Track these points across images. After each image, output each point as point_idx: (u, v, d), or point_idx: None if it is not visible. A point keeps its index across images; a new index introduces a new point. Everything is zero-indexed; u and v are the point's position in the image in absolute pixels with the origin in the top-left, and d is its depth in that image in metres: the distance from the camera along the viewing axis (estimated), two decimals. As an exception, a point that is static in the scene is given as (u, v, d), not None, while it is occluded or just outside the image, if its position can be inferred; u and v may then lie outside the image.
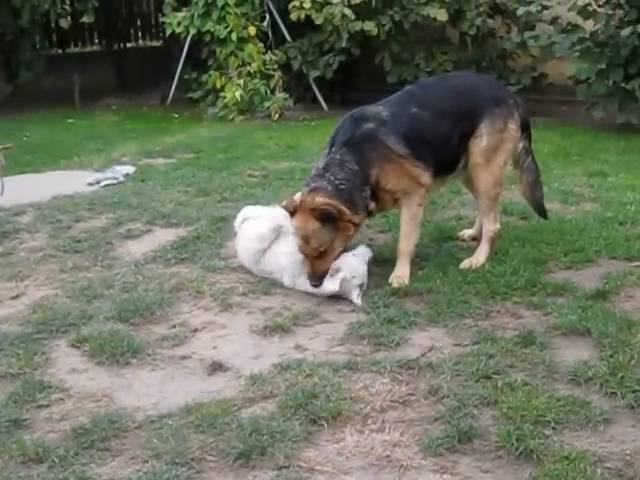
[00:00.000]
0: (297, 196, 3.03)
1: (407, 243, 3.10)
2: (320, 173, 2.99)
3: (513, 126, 3.19)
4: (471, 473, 1.86)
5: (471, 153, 3.15)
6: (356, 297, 2.86)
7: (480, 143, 3.13)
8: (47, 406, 2.22)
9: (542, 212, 3.49)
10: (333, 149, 3.03)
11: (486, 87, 3.33)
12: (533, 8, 6.41)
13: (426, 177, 3.08)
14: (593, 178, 4.69)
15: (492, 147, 3.14)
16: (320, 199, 2.90)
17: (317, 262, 2.94)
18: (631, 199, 4.14)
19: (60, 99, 8.70)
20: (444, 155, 3.15)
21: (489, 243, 3.24)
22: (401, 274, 3.04)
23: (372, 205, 3.05)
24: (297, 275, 2.99)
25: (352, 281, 2.87)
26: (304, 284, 2.97)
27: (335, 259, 2.96)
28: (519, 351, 2.42)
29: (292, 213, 2.98)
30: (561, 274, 3.11)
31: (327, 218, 2.88)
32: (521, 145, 3.28)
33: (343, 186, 2.93)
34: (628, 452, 1.91)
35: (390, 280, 3.02)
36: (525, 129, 3.29)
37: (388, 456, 1.93)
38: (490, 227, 3.25)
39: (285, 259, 3.03)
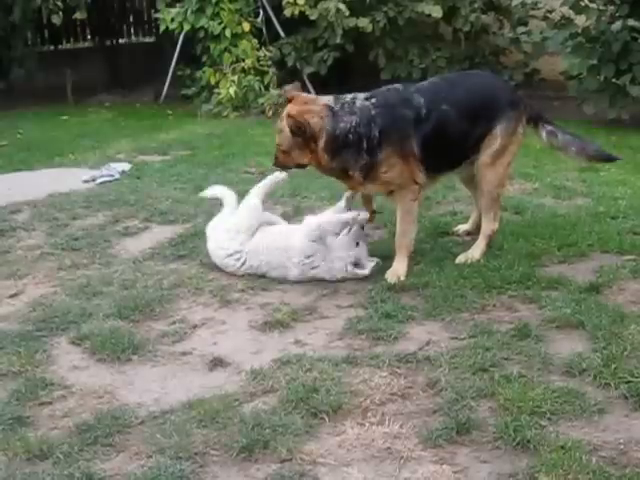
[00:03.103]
0: (303, 95, 3.16)
1: (404, 239, 3.14)
2: (352, 108, 2.99)
3: (521, 130, 3.25)
4: (469, 463, 1.90)
5: (482, 153, 3.19)
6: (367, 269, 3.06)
7: (493, 145, 3.17)
8: (50, 403, 2.24)
9: (610, 158, 3.53)
10: (374, 100, 3.04)
11: (503, 89, 3.38)
12: None
13: (422, 176, 3.12)
14: (585, 173, 4.74)
15: (503, 149, 3.19)
16: (304, 113, 2.96)
17: (280, 154, 3.14)
18: (622, 194, 4.20)
19: (53, 96, 8.65)
20: (453, 155, 3.21)
21: (486, 240, 3.28)
22: (398, 270, 3.08)
23: (357, 174, 3.03)
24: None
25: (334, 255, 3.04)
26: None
27: (299, 166, 3.15)
28: (515, 344, 2.47)
29: (289, 100, 3.12)
30: (555, 268, 3.15)
31: (295, 132, 2.97)
32: (544, 132, 3.30)
33: (350, 136, 2.97)
34: (622, 441, 1.95)
35: (386, 275, 3.06)
36: (539, 119, 3.31)
37: (388, 448, 1.96)
38: (489, 225, 3.29)
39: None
